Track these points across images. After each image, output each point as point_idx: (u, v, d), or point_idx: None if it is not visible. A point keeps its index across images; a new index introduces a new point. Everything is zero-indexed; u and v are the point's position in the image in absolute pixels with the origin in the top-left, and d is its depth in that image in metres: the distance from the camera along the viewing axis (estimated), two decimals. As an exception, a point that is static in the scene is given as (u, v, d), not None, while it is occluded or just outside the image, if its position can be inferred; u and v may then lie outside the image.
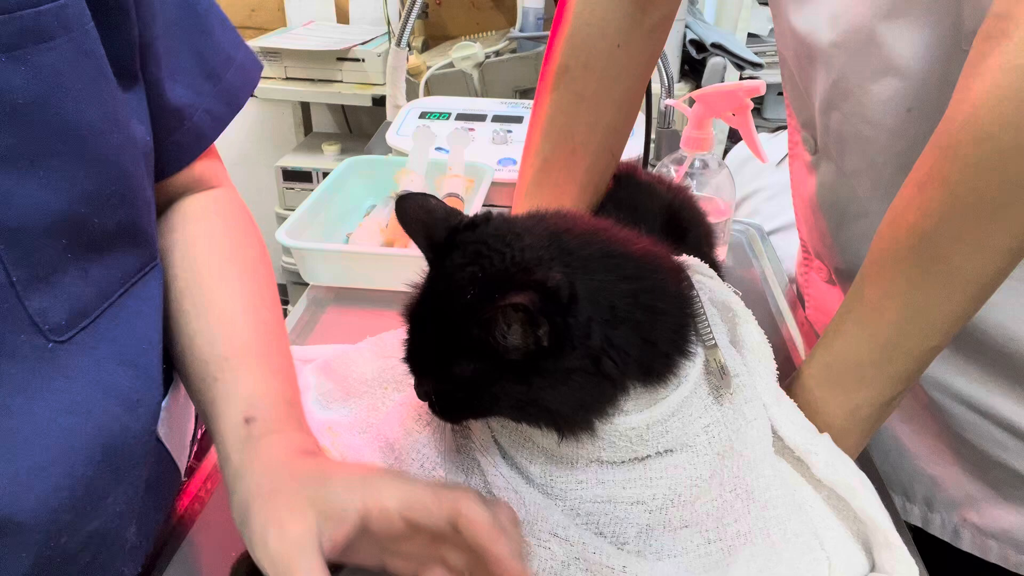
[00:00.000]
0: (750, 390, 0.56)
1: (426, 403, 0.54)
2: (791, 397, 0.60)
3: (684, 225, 0.71)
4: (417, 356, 0.53)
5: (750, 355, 0.58)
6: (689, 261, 0.63)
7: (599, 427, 0.52)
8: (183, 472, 0.64)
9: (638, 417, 0.53)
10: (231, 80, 0.64)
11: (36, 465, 0.46)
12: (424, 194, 0.55)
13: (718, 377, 0.55)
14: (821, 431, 0.58)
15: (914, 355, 0.56)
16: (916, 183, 0.53)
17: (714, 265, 0.71)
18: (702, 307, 0.56)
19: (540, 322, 0.47)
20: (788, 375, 0.62)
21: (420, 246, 0.54)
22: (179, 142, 0.61)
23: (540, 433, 0.53)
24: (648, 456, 0.54)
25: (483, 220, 0.54)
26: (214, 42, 0.62)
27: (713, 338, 0.56)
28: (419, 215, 0.54)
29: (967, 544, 0.74)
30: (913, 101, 0.61)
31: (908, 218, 0.54)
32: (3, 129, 0.42)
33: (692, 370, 0.54)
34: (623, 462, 0.54)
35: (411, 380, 0.54)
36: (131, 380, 0.52)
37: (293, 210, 0.99)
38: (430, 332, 0.52)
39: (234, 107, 0.65)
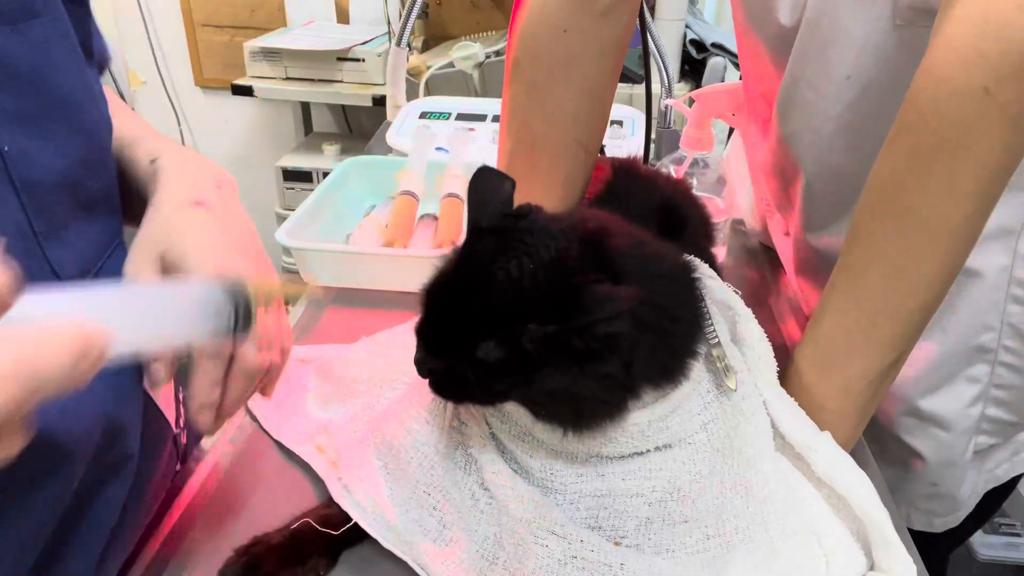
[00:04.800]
0: (749, 386, 0.56)
1: (424, 400, 0.54)
2: (786, 382, 0.61)
3: (681, 220, 0.71)
4: (434, 334, 0.52)
5: (750, 352, 0.59)
6: (691, 261, 0.63)
7: (608, 426, 0.52)
8: (173, 425, 0.66)
9: (641, 414, 0.53)
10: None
11: (78, 399, 0.50)
12: (504, 176, 0.55)
13: (722, 374, 0.55)
14: (817, 412, 0.58)
15: (899, 316, 0.57)
16: (888, 139, 0.56)
17: (711, 259, 0.71)
18: (707, 306, 0.57)
19: (625, 321, 0.47)
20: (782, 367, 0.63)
21: (470, 220, 0.54)
22: None
23: (542, 428, 0.53)
24: (647, 451, 0.54)
25: (526, 212, 0.53)
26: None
27: (716, 336, 0.56)
28: (485, 194, 0.54)
29: None
30: (851, 69, 0.66)
31: (882, 175, 0.56)
32: (15, 92, 0.47)
33: (695, 368, 0.55)
34: (622, 456, 0.54)
35: (410, 370, 0.54)
36: None
37: (293, 210, 0.99)
38: (457, 313, 0.51)
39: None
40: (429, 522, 0.56)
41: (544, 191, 0.73)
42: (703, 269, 0.64)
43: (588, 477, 0.54)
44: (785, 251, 0.91)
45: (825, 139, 0.71)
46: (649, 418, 0.53)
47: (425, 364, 0.53)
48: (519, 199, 0.66)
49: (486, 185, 0.54)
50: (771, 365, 0.59)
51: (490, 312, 0.49)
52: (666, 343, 0.52)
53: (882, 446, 0.81)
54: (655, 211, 0.70)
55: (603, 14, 0.70)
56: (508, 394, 0.52)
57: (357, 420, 0.66)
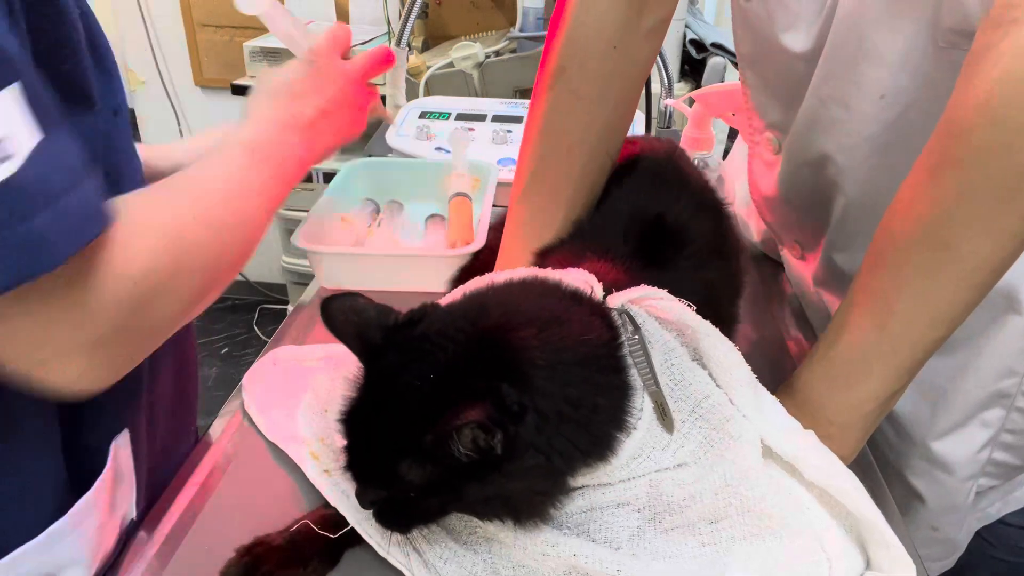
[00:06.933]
0: (727, 407, 0.55)
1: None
2: (792, 395, 0.60)
3: (675, 240, 0.68)
4: (361, 464, 0.52)
5: (718, 369, 0.56)
6: (633, 294, 0.59)
7: (551, 511, 0.53)
8: None
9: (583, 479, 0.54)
10: None
11: None
12: (351, 294, 0.54)
13: (660, 417, 0.54)
14: (823, 426, 0.57)
15: (920, 346, 0.56)
16: (926, 170, 0.54)
17: (713, 278, 0.69)
18: (642, 351, 0.55)
19: (495, 433, 0.47)
20: (790, 377, 0.62)
21: (353, 350, 0.53)
22: None
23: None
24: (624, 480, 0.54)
25: (420, 316, 0.53)
26: None
27: (653, 382, 0.54)
28: (349, 317, 0.53)
29: None
30: (886, 88, 0.64)
31: (918, 206, 0.54)
32: None
33: (643, 416, 0.54)
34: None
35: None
36: None
37: (292, 210, 0.99)
38: (375, 439, 0.50)
39: None
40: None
41: (574, 197, 0.73)
42: (651, 293, 0.59)
43: (570, 497, 0.54)
44: (800, 273, 0.90)
45: (863, 159, 0.69)
46: (607, 470, 0.53)
47: (366, 497, 0.52)
48: (550, 205, 0.64)
49: (342, 314, 0.53)
50: (743, 378, 0.57)
51: (401, 429, 0.49)
52: (585, 430, 0.51)
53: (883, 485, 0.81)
54: (640, 227, 0.69)
55: (647, 34, 0.72)
56: (444, 510, 0.52)
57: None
